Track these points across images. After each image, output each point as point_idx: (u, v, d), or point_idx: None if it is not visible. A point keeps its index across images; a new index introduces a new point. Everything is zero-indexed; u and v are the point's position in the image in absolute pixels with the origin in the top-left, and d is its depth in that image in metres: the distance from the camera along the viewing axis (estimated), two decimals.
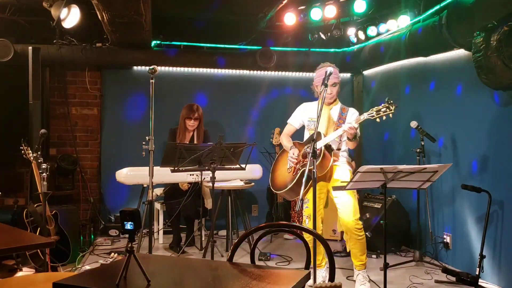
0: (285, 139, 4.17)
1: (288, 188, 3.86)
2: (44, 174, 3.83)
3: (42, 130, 4.01)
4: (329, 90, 3.85)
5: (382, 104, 3.56)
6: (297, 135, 4.22)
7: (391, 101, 3.53)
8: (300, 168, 3.83)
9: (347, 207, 3.84)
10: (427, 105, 4.97)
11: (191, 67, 6.06)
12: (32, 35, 5.40)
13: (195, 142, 5.16)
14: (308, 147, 3.80)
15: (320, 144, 3.76)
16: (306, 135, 4.11)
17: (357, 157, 6.38)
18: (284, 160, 4.08)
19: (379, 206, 5.09)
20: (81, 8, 4.84)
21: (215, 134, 4.84)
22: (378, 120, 3.58)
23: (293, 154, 3.93)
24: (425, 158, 4.66)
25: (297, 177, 3.80)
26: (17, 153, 4.04)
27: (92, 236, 5.46)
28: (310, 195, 3.56)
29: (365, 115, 3.64)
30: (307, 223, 3.90)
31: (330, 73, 3.48)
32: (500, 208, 3.97)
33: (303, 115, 4.15)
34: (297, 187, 3.73)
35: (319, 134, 3.79)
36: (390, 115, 3.54)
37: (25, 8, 5.24)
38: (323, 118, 3.98)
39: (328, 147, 3.81)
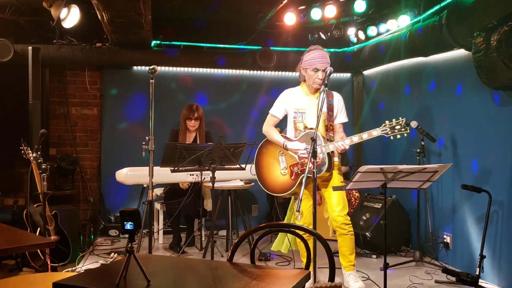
0: (274, 133, 3.89)
1: (289, 192, 3.81)
2: (44, 174, 3.83)
3: (42, 130, 4.01)
4: (320, 75, 3.69)
5: (395, 121, 3.43)
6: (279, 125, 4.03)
7: (405, 122, 3.41)
8: (300, 172, 3.73)
9: (335, 201, 3.80)
10: (427, 105, 4.97)
11: (191, 67, 6.06)
12: (32, 35, 5.40)
13: (198, 143, 5.16)
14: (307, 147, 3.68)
15: (320, 150, 3.60)
16: (290, 128, 3.89)
17: (357, 157, 6.39)
18: (271, 157, 3.92)
19: (379, 206, 5.09)
20: (81, 8, 4.84)
21: (215, 134, 4.85)
22: (392, 138, 3.45)
23: (299, 152, 3.70)
24: (425, 158, 4.66)
25: (298, 182, 3.75)
26: (17, 153, 4.04)
27: (92, 236, 5.46)
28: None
29: (379, 131, 3.46)
30: (299, 219, 3.79)
31: (331, 73, 3.45)
32: (500, 208, 3.97)
33: (287, 104, 3.89)
34: (299, 190, 3.72)
35: (317, 136, 3.62)
36: (405, 134, 3.44)
37: (25, 8, 5.24)
38: (312, 110, 3.78)
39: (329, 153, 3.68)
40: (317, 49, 3.77)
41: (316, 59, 3.71)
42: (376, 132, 3.47)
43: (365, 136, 3.52)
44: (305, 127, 3.78)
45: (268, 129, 3.94)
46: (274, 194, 4.01)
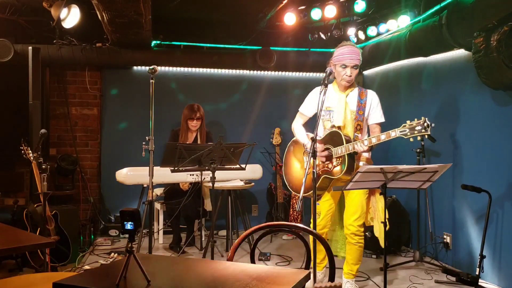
0: (299, 132, 3.76)
1: (310, 192, 3.76)
2: (44, 174, 3.82)
3: (42, 130, 4.01)
4: (348, 72, 3.57)
5: (416, 121, 3.17)
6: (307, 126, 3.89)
7: (428, 122, 3.11)
8: (321, 173, 3.58)
9: (353, 208, 3.69)
10: (427, 105, 4.97)
11: (191, 67, 6.06)
12: (32, 35, 5.40)
13: (199, 143, 5.16)
14: (326, 149, 3.58)
15: (340, 151, 3.48)
16: (320, 126, 3.70)
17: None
18: (297, 156, 3.83)
19: None
20: (81, 8, 4.84)
21: (216, 134, 4.84)
22: (411, 139, 3.20)
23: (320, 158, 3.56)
24: (425, 158, 4.66)
25: (318, 183, 3.59)
26: (17, 153, 4.04)
27: (92, 236, 5.46)
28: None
29: (397, 132, 3.21)
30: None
31: (330, 73, 3.39)
32: (500, 208, 3.97)
33: (316, 102, 3.64)
34: (321, 191, 3.69)
35: (338, 134, 3.51)
36: (426, 135, 3.15)
37: (25, 8, 5.25)
38: (340, 108, 3.64)
39: (351, 153, 3.46)
40: (348, 45, 3.63)
41: (345, 54, 3.57)
42: (394, 133, 3.26)
43: (383, 137, 3.33)
44: (333, 126, 3.65)
45: (295, 127, 3.84)
46: (297, 193, 3.84)
